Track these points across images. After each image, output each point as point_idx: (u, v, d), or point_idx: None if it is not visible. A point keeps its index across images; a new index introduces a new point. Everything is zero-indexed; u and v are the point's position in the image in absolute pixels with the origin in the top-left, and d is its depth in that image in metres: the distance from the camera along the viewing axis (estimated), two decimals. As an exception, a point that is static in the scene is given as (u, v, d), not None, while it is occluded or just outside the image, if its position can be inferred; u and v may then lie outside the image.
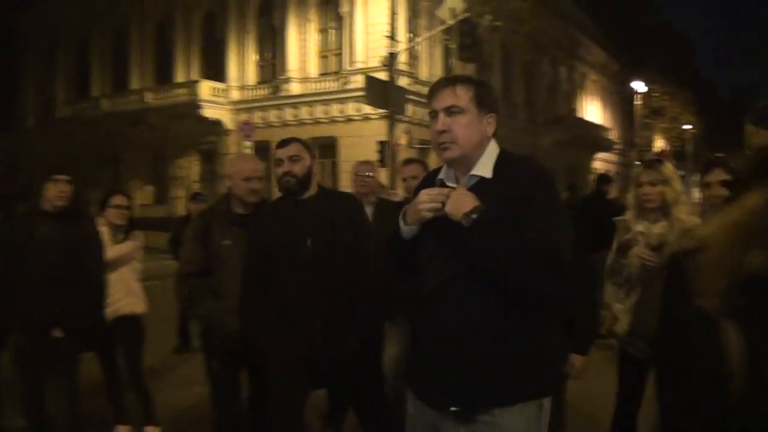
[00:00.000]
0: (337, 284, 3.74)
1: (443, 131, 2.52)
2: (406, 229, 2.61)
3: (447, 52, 30.56)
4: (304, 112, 29.32)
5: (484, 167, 2.53)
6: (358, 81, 26.13)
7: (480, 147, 2.54)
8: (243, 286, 3.92)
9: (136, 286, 5.56)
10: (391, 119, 20.56)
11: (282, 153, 3.88)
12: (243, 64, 31.68)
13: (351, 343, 3.70)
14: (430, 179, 2.74)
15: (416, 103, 25.21)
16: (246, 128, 23.27)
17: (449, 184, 2.58)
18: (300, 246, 3.78)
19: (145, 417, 5.48)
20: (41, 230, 4.52)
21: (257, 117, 29.67)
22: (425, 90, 2.88)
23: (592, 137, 44.75)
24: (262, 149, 22.89)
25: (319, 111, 29.04)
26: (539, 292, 2.36)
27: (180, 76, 33.52)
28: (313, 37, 29.70)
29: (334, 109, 28.60)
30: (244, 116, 29.23)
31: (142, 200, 31.95)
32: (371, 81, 19.42)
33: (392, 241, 2.70)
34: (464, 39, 24.18)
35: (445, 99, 2.54)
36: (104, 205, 5.49)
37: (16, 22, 42.52)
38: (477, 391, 2.43)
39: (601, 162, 48.72)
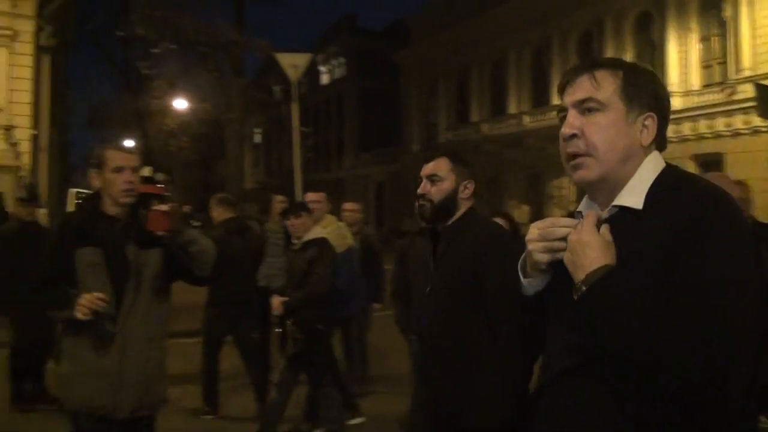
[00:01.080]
0: (453, 347, 3.03)
1: (572, 135, 1.71)
2: (526, 283, 1.82)
3: None
4: (686, 128, 27.80)
5: (633, 193, 1.68)
6: (747, 91, 24.40)
7: (629, 162, 1.70)
8: None
9: None
10: (789, 132, 18.94)
11: (423, 170, 3.23)
12: (620, 82, 31.25)
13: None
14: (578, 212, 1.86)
15: (817, 112, 22.85)
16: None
17: None
18: (423, 291, 3.23)
19: None
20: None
21: (635, 134, 29.07)
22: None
23: None
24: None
25: (702, 126, 27.43)
26: (692, 401, 1.48)
27: (556, 99, 33.53)
28: (695, 47, 28.31)
29: (720, 123, 26.77)
30: (621, 134, 28.88)
31: (518, 218, 32.95)
32: (761, 89, 18.04)
33: (515, 299, 1.91)
34: None
35: (579, 90, 1.74)
36: None
37: (400, 59, 46.63)
38: None
39: None
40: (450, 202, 3.15)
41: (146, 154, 33.93)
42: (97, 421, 3.38)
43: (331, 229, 6.48)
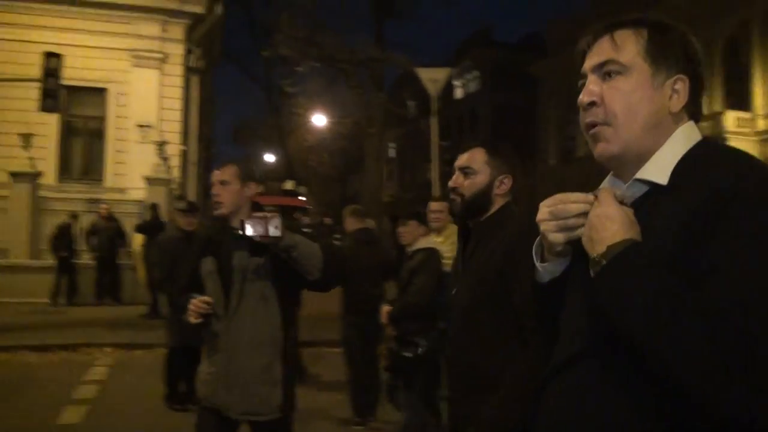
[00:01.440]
0: (473, 358, 2.71)
1: (591, 103, 1.52)
2: (541, 268, 1.64)
3: None
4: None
5: (658, 167, 1.45)
6: None
7: (655, 131, 1.48)
8: None
9: None
10: None
11: (457, 161, 2.93)
12: (770, 91, 29.62)
13: None
14: None
15: None
16: (782, 160, 21.75)
17: None
18: (451, 294, 2.94)
19: None
20: None
21: (787, 146, 27.55)
22: None
23: None
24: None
25: None
26: (714, 406, 1.19)
27: (703, 108, 32.55)
28: None
29: None
30: (772, 146, 27.41)
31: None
32: None
33: (531, 287, 1.73)
34: None
35: (598, 53, 1.55)
36: None
37: (538, 70, 46.08)
38: None
39: None
40: (483, 197, 2.83)
41: (288, 169, 35.08)
42: (219, 419, 3.56)
43: (452, 240, 6.48)
